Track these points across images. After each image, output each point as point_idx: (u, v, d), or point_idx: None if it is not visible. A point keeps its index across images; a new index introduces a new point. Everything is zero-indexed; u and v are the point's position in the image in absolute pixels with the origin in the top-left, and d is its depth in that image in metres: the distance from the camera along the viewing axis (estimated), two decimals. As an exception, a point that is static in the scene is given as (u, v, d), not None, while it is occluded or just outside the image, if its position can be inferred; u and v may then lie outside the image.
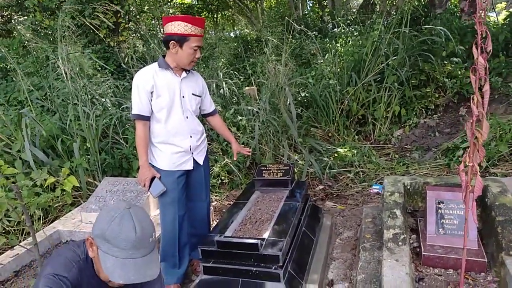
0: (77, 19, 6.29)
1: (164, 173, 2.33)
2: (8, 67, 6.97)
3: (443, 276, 2.14)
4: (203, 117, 2.64)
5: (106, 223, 1.21)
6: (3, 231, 3.03)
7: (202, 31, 2.19)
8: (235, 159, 2.78)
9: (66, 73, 4.07)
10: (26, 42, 6.86)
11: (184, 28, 2.13)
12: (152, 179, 2.32)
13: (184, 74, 2.28)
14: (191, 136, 2.34)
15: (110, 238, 1.19)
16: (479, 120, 1.63)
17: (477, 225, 2.10)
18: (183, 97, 2.27)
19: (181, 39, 2.15)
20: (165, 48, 2.24)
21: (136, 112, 2.22)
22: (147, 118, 2.25)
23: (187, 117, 2.31)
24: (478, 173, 1.69)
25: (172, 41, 2.16)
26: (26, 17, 8.24)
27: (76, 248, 1.37)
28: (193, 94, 2.33)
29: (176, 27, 2.13)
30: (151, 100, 2.21)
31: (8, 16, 9.14)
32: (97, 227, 1.23)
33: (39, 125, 3.69)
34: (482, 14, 1.52)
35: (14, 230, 3.07)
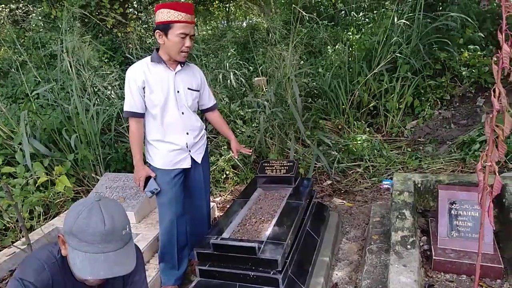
0: (84, 9, 6.23)
1: (160, 172, 2.23)
2: (19, 58, 6.97)
3: (455, 282, 2.00)
4: (201, 113, 2.51)
5: (73, 217, 1.14)
6: (3, 227, 2.99)
7: (190, 17, 2.02)
8: (236, 157, 2.65)
9: (71, 65, 4.00)
10: (33, 33, 6.86)
11: (167, 15, 1.99)
12: (149, 178, 2.23)
13: (178, 67, 2.15)
14: (187, 133, 2.22)
15: (77, 232, 1.12)
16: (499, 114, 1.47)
17: (493, 228, 1.95)
18: (178, 92, 2.15)
19: (165, 27, 2.01)
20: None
21: (128, 109, 2.11)
22: (140, 115, 2.14)
23: (182, 113, 2.18)
24: (497, 173, 1.53)
25: (157, 31, 2.04)
26: (35, 7, 8.24)
27: (53, 248, 1.30)
28: (189, 88, 2.20)
29: (161, 15, 2.01)
30: (144, 96, 2.10)
31: (24, 8, 9.17)
32: (65, 222, 1.16)
33: (39, 119, 3.63)
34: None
35: (14, 227, 3.03)
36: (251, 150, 2.57)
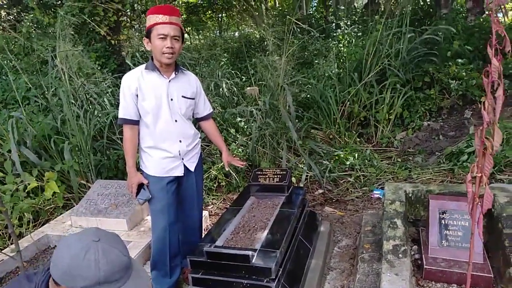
0: (77, 17, 6.21)
1: (153, 179, 2.22)
2: (9, 64, 6.90)
3: (446, 291, 2.03)
4: (196, 121, 2.52)
5: (92, 271, 1.04)
6: (-9, 234, 2.94)
7: (169, 18, 1.99)
8: (226, 169, 2.65)
9: (63, 72, 3.98)
10: (24, 39, 6.82)
11: (149, 21, 2.02)
12: (141, 185, 2.22)
13: (173, 75, 2.16)
14: (180, 141, 2.22)
15: (107, 278, 1.06)
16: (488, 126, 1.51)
17: (482, 241, 1.98)
18: (172, 99, 2.15)
19: (148, 33, 2.04)
20: None
21: (122, 116, 2.11)
22: (134, 122, 2.14)
23: (176, 121, 2.18)
24: (487, 185, 1.55)
25: (144, 38, 2.08)
26: (27, 14, 8.20)
27: (26, 284, 1.19)
28: (183, 96, 2.20)
29: (147, 23, 2.04)
30: (137, 103, 2.11)
31: (15, 13, 9.10)
32: (82, 280, 1.05)
33: (30, 126, 3.59)
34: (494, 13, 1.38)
35: (3, 233, 2.98)
36: (244, 163, 2.56)
